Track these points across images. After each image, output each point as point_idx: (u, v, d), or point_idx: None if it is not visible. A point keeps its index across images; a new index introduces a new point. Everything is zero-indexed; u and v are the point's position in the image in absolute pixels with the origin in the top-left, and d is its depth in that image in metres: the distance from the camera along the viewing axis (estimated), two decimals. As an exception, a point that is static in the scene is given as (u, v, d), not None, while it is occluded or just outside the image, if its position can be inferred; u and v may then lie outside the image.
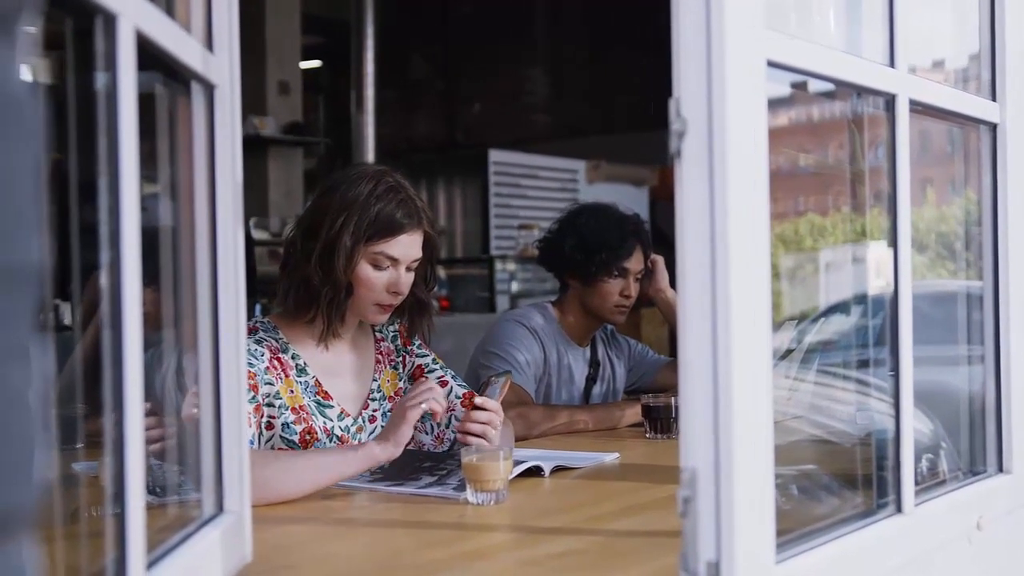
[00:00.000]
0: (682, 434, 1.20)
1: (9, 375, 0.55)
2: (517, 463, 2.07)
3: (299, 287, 2.23)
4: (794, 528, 1.37)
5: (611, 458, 2.38)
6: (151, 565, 1.10)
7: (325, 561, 1.63)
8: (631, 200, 6.88)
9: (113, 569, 1.01)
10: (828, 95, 1.75)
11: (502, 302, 7.52)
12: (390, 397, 2.39)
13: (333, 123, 9.74)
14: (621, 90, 9.53)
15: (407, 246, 2.24)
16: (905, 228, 1.55)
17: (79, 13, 1.00)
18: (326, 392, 2.27)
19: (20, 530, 0.55)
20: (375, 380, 2.38)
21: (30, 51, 0.59)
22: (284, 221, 7.34)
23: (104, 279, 1.02)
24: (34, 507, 0.57)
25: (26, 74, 0.57)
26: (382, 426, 2.32)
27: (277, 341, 2.24)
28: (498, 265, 7.66)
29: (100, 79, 1.03)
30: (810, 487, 1.65)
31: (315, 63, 10.30)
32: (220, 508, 1.38)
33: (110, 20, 1.00)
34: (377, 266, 2.23)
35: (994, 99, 1.84)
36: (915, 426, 1.59)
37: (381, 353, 2.42)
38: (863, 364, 1.98)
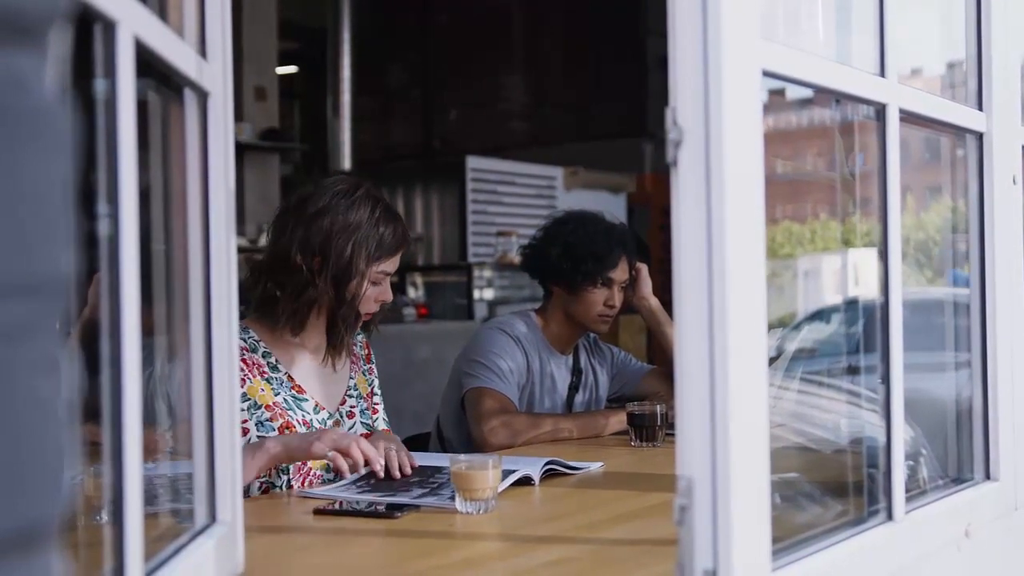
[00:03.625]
0: (679, 443, 1.20)
1: (39, 386, 0.54)
2: (507, 473, 2.06)
3: (307, 306, 2.29)
4: (788, 536, 1.37)
5: (596, 467, 2.38)
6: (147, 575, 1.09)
7: (316, 571, 1.62)
8: (608, 207, 6.88)
9: (112, 580, 1.00)
10: (805, 102, 1.76)
11: (480, 309, 7.51)
12: (365, 397, 2.48)
13: (310, 129, 9.73)
14: (598, 97, 9.56)
15: (398, 260, 2.38)
16: (895, 236, 1.56)
17: (77, 20, 0.99)
18: (299, 387, 2.33)
19: (51, 540, 0.55)
20: (351, 378, 2.46)
21: (59, 62, 0.58)
22: (261, 228, 7.31)
23: (103, 286, 1.01)
24: (63, 517, 0.57)
25: (56, 85, 0.57)
26: (361, 422, 2.44)
27: (245, 341, 2.26)
28: (476, 272, 7.64)
29: (99, 85, 1.02)
30: (801, 495, 1.65)
31: (291, 69, 10.28)
32: (213, 518, 1.37)
33: (110, 27, 0.99)
34: (375, 283, 2.34)
35: (980, 108, 1.85)
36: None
37: (355, 355, 2.51)
38: (847, 371, 1.99)
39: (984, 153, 1.86)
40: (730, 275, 1.18)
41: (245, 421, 2.20)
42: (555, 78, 10.05)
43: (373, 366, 2.56)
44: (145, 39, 1.08)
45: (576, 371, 3.19)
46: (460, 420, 2.97)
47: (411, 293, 7.61)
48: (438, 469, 2.21)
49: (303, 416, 2.29)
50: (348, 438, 2.09)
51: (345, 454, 2.07)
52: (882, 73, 1.55)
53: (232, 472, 1.40)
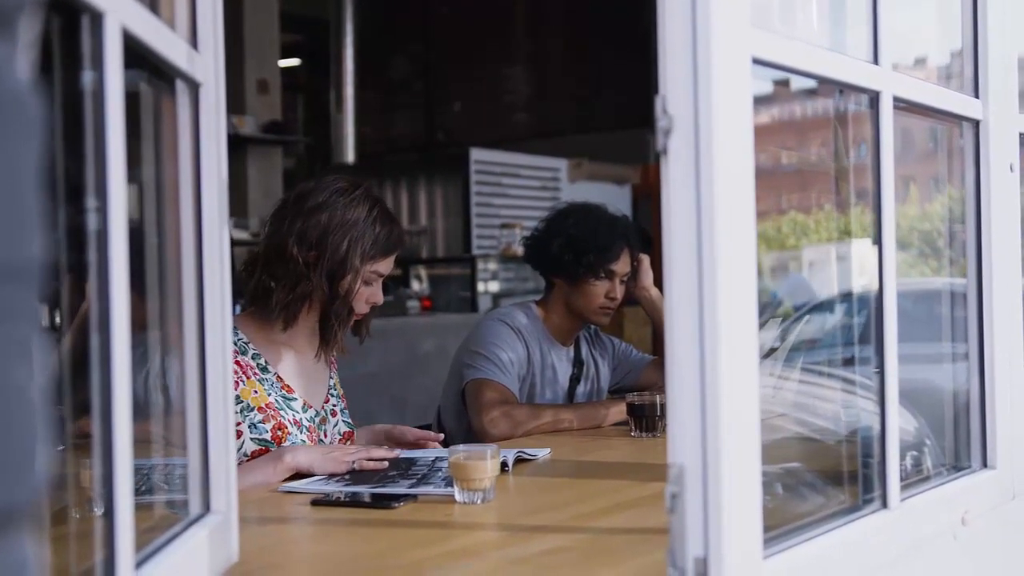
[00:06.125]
0: (670, 430, 1.21)
1: (12, 370, 0.55)
2: None
3: (300, 300, 2.32)
4: (782, 524, 1.37)
5: (543, 453, 2.40)
6: (139, 564, 1.10)
7: (311, 561, 1.63)
8: (613, 199, 6.88)
9: (102, 569, 1.00)
10: (810, 92, 1.76)
11: (484, 302, 7.51)
12: (342, 396, 2.53)
13: (312, 122, 9.74)
14: (602, 88, 9.56)
15: (392, 263, 2.41)
16: (889, 225, 1.56)
17: (65, 10, 0.99)
18: (288, 386, 2.36)
19: (24, 525, 0.55)
20: (331, 379, 2.51)
21: (30, 49, 0.59)
22: (264, 221, 7.30)
23: (92, 280, 1.01)
24: (37, 503, 0.57)
25: (26, 72, 0.57)
26: (343, 420, 2.48)
27: (235, 343, 2.28)
28: (480, 264, 7.64)
29: (86, 77, 1.02)
30: (796, 484, 1.66)
31: (294, 61, 10.28)
32: (207, 508, 1.38)
33: (97, 18, 1.00)
34: (367, 283, 2.36)
35: (977, 96, 1.85)
36: (899, 423, 1.59)
37: (332, 356, 2.53)
38: (847, 362, 1.99)
39: (981, 141, 1.86)
40: (720, 263, 1.18)
41: (239, 424, 2.22)
42: (558, 69, 10.04)
43: (335, 374, 2.59)
44: (133, 30, 1.08)
45: (578, 362, 3.19)
46: (461, 411, 2.97)
47: (415, 286, 7.61)
48: (412, 461, 2.24)
49: (293, 415, 2.32)
50: (360, 450, 2.20)
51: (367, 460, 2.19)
52: (875, 61, 1.55)
53: (226, 462, 1.40)
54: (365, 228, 2.31)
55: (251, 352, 2.32)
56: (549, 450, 2.44)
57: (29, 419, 0.56)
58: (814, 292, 2.13)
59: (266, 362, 2.34)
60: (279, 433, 2.27)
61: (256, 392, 2.28)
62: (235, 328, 2.32)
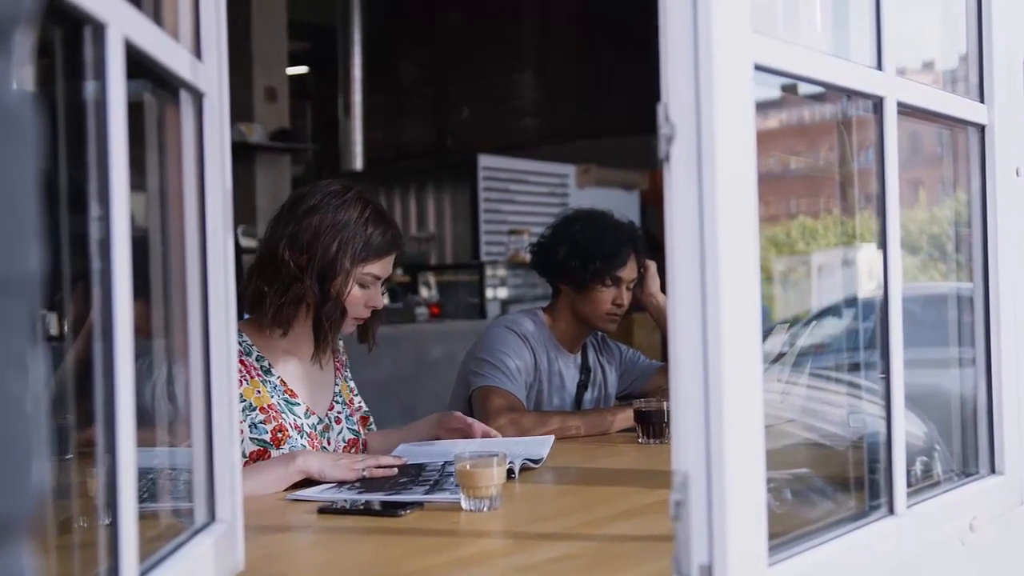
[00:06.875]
0: (674, 438, 1.21)
1: (8, 383, 0.55)
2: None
3: (293, 304, 2.31)
4: (787, 531, 1.37)
5: (548, 442, 2.43)
6: (144, 573, 1.10)
7: (318, 569, 1.63)
8: (621, 204, 6.89)
9: (106, 579, 1.00)
10: (818, 98, 1.76)
11: (492, 308, 7.51)
12: (348, 402, 2.52)
13: (321, 129, 9.74)
14: (610, 94, 9.54)
15: (389, 265, 2.40)
16: (894, 230, 1.55)
17: (68, 22, 0.99)
18: (292, 391, 2.36)
19: (19, 537, 0.55)
20: (336, 385, 2.50)
21: (26, 61, 0.59)
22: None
23: (95, 289, 1.02)
24: (33, 514, 0.57)
25: (22, 84, 0.57)
26: (347, 428, 2.47)
27: (240, 345, 2.28)
28: (488, 271, 7.64)
29: (89, 88, 1.02)
30: (803, 490, 1.65)
31: (302, 69, 10.29)
32: (212, 517, 1.38)
33: (99, 29, 1.00)
34: (362, 285, 2.35)
35: (982, 101, 1.84)
36: (909, 429, 1.59)
37: (339, 362, 2.54)
38: (855, 367, 1.98)
39: (986, 145, 1.85)
40: (723, 270, 1.18)
41: (240, 422, 2.22)
42: (565, 74, 10.03)
43: (348, 372, 2.59)
44: (136, 41, 1.08)
45: (585, 369, 3.19)
46: (468, 418, 2.97)
47: (423, 292, 7.61)
48: (422, 467, 2.23)
49: (295, 420, 2.32)
50: (368, 458, 2.21)
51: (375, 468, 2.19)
52: (879, 66, 1.54)
53: (231, 470, 1.40)
54: (356, 229, 2.31)
55: (255, 354, 2.33)
56: (552, 437, 2.46)
57: (25, 431, 0.56)
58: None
59: (270, 365, 2.34)
60: (279, 435, 2.27)
61: (259, 392, 2.28)
62: (240, 332, 2.33)
